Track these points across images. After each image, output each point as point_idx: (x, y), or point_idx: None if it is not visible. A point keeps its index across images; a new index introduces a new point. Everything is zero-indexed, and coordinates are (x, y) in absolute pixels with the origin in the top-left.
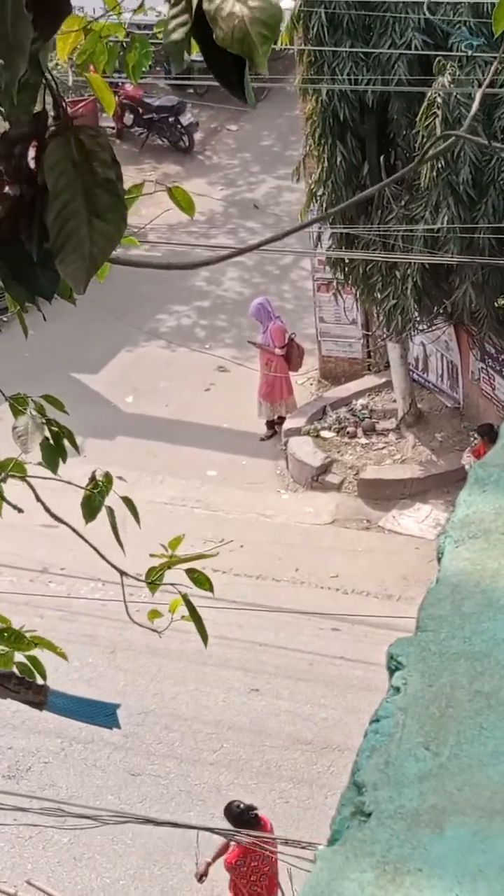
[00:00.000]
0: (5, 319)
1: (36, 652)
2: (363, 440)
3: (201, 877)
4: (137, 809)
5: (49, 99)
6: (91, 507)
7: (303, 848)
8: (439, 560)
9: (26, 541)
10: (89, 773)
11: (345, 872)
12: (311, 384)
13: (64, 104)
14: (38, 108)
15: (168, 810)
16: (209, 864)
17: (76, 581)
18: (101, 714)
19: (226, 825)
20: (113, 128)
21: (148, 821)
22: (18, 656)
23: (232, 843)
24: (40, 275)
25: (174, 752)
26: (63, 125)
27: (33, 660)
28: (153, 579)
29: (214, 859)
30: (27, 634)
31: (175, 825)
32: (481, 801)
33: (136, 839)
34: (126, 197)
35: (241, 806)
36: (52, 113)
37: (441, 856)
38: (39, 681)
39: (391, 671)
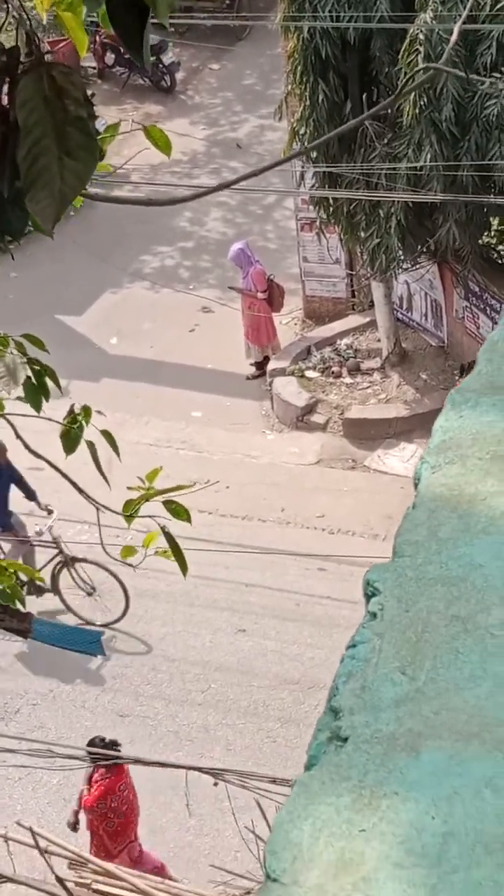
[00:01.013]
0: None
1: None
2: (348, 380)
3: (74, 825)
4: (126, 750)
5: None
6: (70, 440)
7: (290, 787)
8: (416, 486)
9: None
10: (78, 715)
11: (321, 797)
12: (296, 324)
13: (37, 41)
14: (10, 44)
15: (156, 751)
16: (77, 813)
17: (62, 524)
18: (85, 641)
19: (213, 764)
20: (94, 68)
21: (136, 761)
22: None
23: (93, 784)
24: (10, 212)
25: (162, 692)
26: (35, 62)
27: (14, 588)
28: (130, 512)
29: (80, 806)
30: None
31: (163, 765)
32: (457, 725)
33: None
34: (102, 137)
35: (106, 740)
36: (25, 50)
37: (417, 779)
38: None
39: (368, 597)
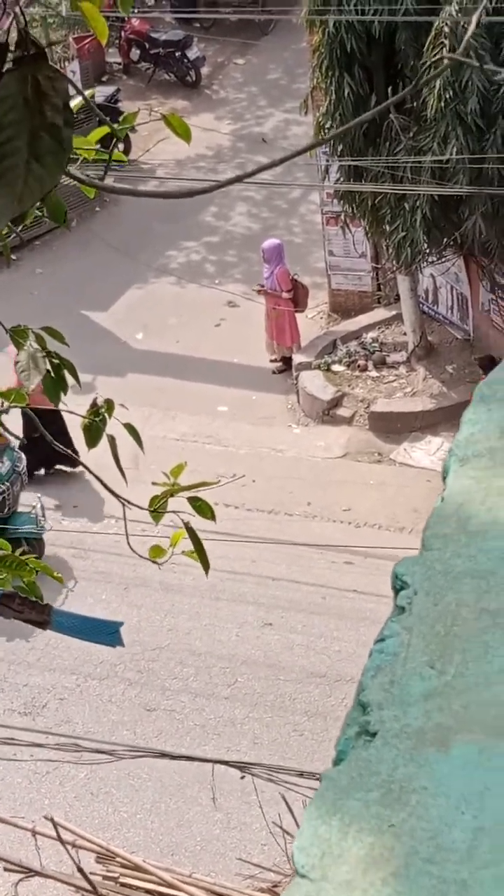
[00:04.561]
0: (15, 258)
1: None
2: (374, 373)
3: None
4: (153, 744)
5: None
6: (92, 433)
7: (318, 780)
8: (444, 479)
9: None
10: (105, 709)
11: (350, 792)
12: (321, 318)
13: (29, 40)
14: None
15: (183, 744)
16: None
17: (88, 518)
18: (105, 632)
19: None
20: (119, 63)
21: (163, 755)
22: (17, 581)
23: None
24: None
25: (188, 686)
26: (24, 61)
27: (31, 585)
28: (156, 507)
29: None
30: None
31: (190, 759)
32: (487, 720)
33: (152, 773)
34: (121, 128)
35: None
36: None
37: (447, 774)
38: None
39: (396, 591)
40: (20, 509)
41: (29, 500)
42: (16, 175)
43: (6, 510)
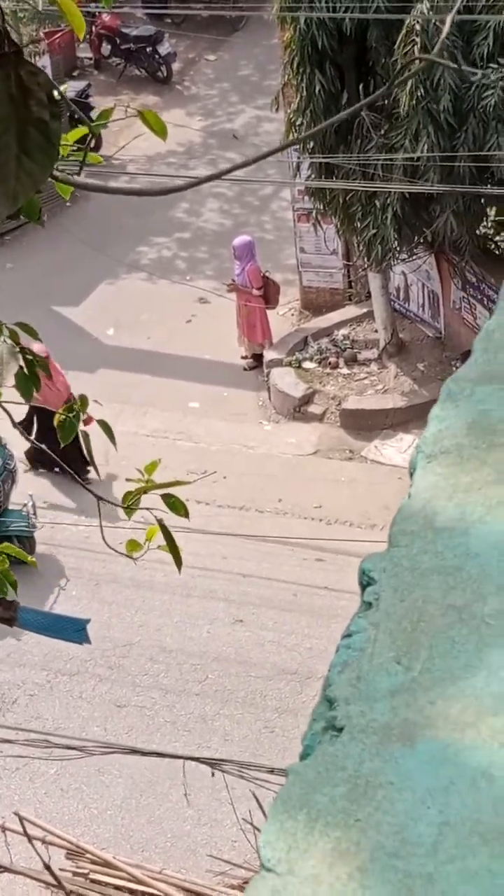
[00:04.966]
0: None
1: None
2: (345, 371)
3: None
4: (123, 740)
5: None
6: (66, 429)
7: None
8: (411, 475)
9: None
10: (75, 705)
11: (317, 787)
12: (293, 315)
13: (8, 37)
14: None
15: (154, 741)
16: None
17: (59, 514)
18: (71, 629)
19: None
20: (91, 58)
21: (134, 751)
22: None
23: None
24: None
25: (159, 683)
26: (4, 59)
27: (6, 572)
28: (129, 503)
29: None
30: None
31: (161, 755)
32: (453, 715)
33: (123, 770)
34: (95, 123)
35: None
36: None
37: (413, 769)
38: (10, 597)
39: (363, 586)
40: (11, 507)
41: (21, 497)
42: (7, 172)
43: None
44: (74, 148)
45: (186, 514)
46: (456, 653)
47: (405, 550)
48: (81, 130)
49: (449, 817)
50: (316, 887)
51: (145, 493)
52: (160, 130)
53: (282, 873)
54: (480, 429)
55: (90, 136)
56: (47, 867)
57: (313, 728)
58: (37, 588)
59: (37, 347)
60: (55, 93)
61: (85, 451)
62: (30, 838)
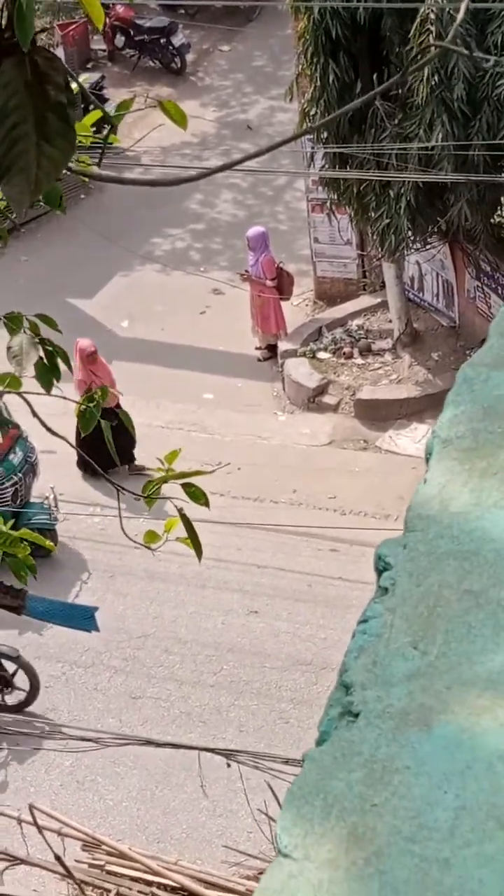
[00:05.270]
0: (0, 246)
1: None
2: (359, 361)
3: None
4: (138, 732)
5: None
6: (87, 419)
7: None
8: (427, 461)
9: None
10: (90, 697)
11: (333, 772)
12: (307, 305)
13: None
14: None
15: (169, 732)
16: None
17: (75, 506)
18: (80, 617)
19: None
20: (104, 50)
21: (149, 742)
22: None
23: None
24: None
25: (174, 674)
26: (17, 47)
27: (26, 558)
28: (149, 493)
29: None
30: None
31: (176, 746)
32: (469, 699)
33: (138, 761)
34: (115, 115)
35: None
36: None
37: (429, 754)
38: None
39: (379, 572)
40: (33, 500)
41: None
42: (28, 159)
43: (18, 501)
44: (93, 132)
45: (207, 504)
46: (472, 637)
47: (421, 535)
48: (96, 114)
49: (465, 802)
50: (332, 872)
51: (166, 481)
52: (180, 120)
53: (298, 858)
54: (496, 413)
55: (110, 126)
56: (58, 858)
57: (329, 713)
58: (56, 582)
59: (85, 343)
60: (71, 81)
61: (107, 442)
62: (40, 829)
